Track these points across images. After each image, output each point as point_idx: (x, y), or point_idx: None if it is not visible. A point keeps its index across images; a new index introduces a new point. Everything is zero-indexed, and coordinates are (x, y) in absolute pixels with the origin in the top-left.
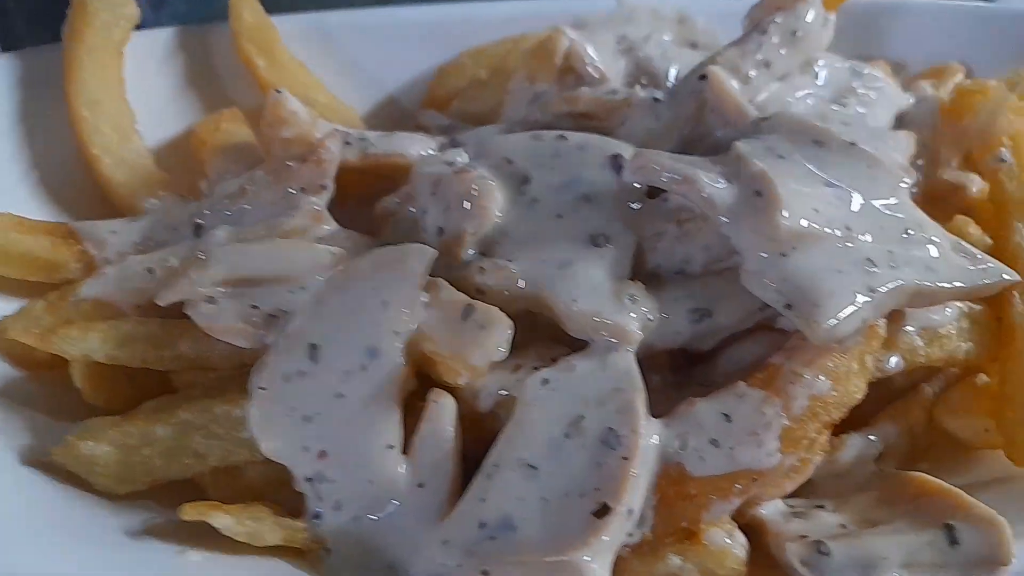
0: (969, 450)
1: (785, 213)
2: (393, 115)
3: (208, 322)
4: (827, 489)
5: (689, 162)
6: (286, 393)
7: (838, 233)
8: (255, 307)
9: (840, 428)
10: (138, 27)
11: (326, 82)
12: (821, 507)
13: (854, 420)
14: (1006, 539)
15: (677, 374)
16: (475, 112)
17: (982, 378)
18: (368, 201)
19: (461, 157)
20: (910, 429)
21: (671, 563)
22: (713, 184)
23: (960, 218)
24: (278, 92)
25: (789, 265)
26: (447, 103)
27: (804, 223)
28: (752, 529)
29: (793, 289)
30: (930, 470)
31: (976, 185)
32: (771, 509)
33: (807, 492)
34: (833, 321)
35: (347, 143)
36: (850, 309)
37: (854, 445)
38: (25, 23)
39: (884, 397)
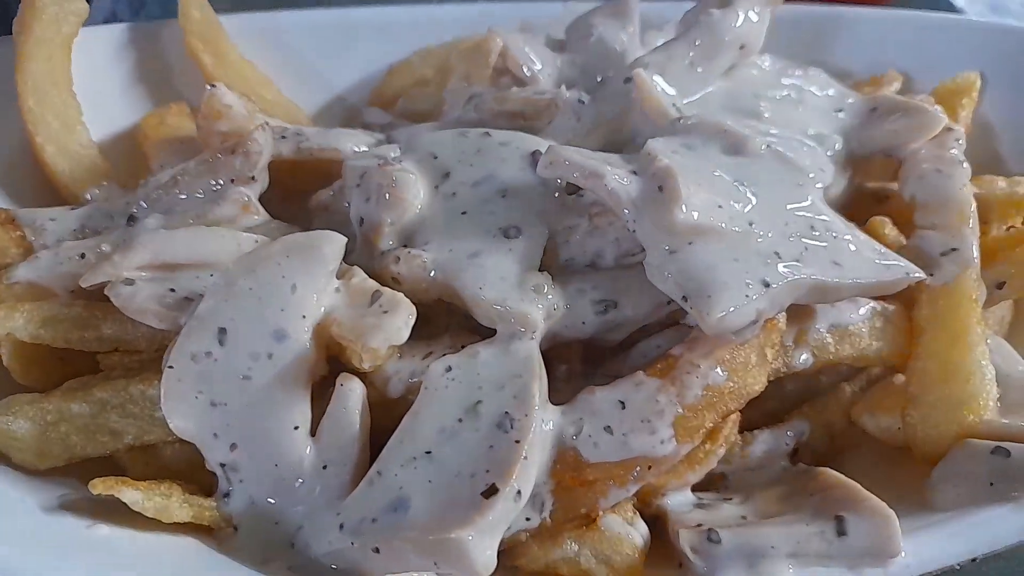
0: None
1: (683, 207)
2: (341, 114)
3: (124, 302)
4: (739, 483)
5: (600, 158)
6: (194, 373)
7: (737, 229)
8: (172, 290)
9: (758, 424)
10: None
11: (276, 80)
12: (728, 500)
13: (775, 417)
14: (895, 531)
15: (586, 365)
16: (418, 111)
17: (900, 378)
18: (304, 195)
19: (393, 153)
20: (827, 426)
21: (568, 548)
22: (619, 179)
23: (877, 219)
24: (213, 86)
25: (687, 258)
26: (393, 102)
27: (702, 218)
28: (657, 519)
29: (689, 281)
30: (851, 469)
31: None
32: (678, 500)
33: (721, 487)
34: (722, 312)
35: (282, 137)
36: (742, 301)
37: (764, 440)
38: None
39: (808, 396)
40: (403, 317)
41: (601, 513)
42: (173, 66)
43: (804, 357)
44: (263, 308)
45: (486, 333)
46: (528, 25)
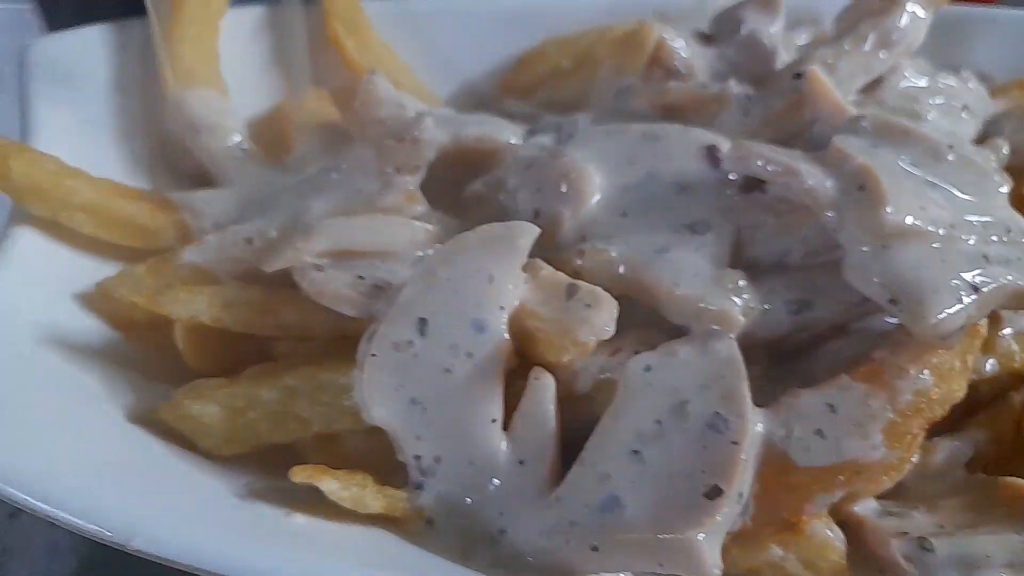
0: None
1: (890, 208)
2: (472, 101)
3: (318, 288)
4: (917, 492)
5: (789, 154)
6: (395, 362)
7: (941, 232)
8: (361, 277)
9: (928, 433)
10: None
11: (410, 64)
12: (915, 508)
13: (940, 424)
14: None
15: (775, 367)
16: (559, 101)
17: None
18: (449, 182)
19: (551, 143)
20: (998, 436)
21: (772, 554)
22: (816, 176)
23: None
24: (372, 74)
25: (893, 260)
26: (528, 91)
27: (910, 220)
28: (846, 526)
29: (897, 284)
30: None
31: None
32: (865, 507)
33: (896, 494)
34: (941, 316)
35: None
36: (957, 306)
37: (945, 448)
38: (72, 13)
39: (969, 404)
40: (609, 312)
41: (805, 518)
42: (314, 49)
43: (991, 364)
44: (462, 299)
45: (670, 329)
46: (664, 15)
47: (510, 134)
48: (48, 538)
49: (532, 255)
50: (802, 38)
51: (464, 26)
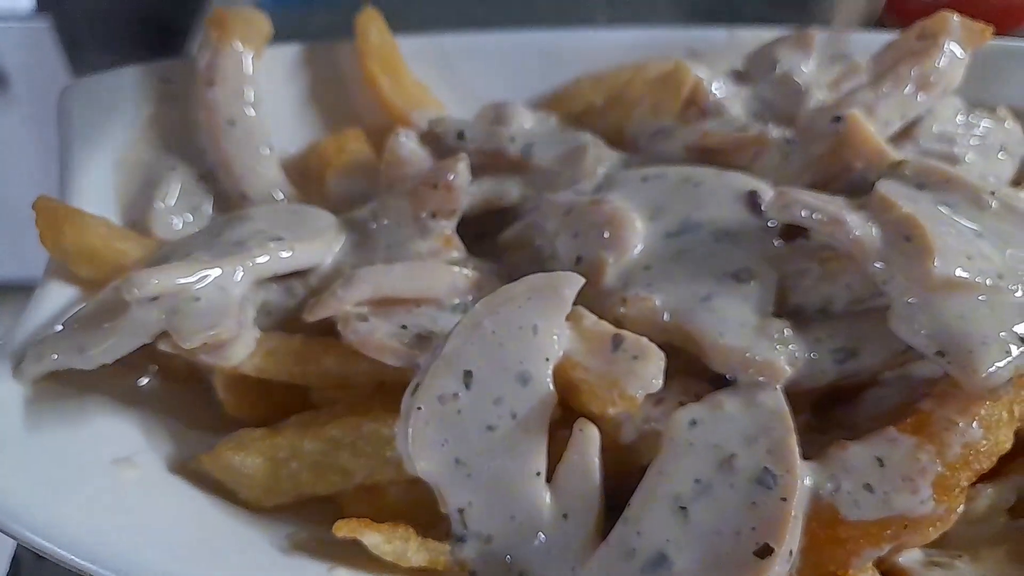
0: None
1: (938, 261)
2: None
3: (362, 338)
4: (960, 539)
5: (834, 202)
6: (440, 415)
7: (988, 282)
8: (404, 327)
9: None
10: None
11: (442, 101)
12: (959, 557)
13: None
14: None
15: (817, 415)
16: None
17: None
18: (482, 225)
19: (589, 186)
20: None
21: None
22: (861, 226)
23: None
24: (398, 135)
25: (940, 312)
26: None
27: (958, 271)
28: None
29: (945, 336)
30: None
31: None
32: (909, 558)
33: (939, 542)
34: (992, 369)
35: None
36: (1006, 359)
37: (988, 495)
38: (88, 29)
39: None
40: (656, 364)
41: (851, 572)
42: (348, 87)
43: None
44: (507, 350)
45: (713, 378)
46: (695, 52)
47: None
48: None
49: (574, 303)
50: (833, 72)
51: (497, 63)
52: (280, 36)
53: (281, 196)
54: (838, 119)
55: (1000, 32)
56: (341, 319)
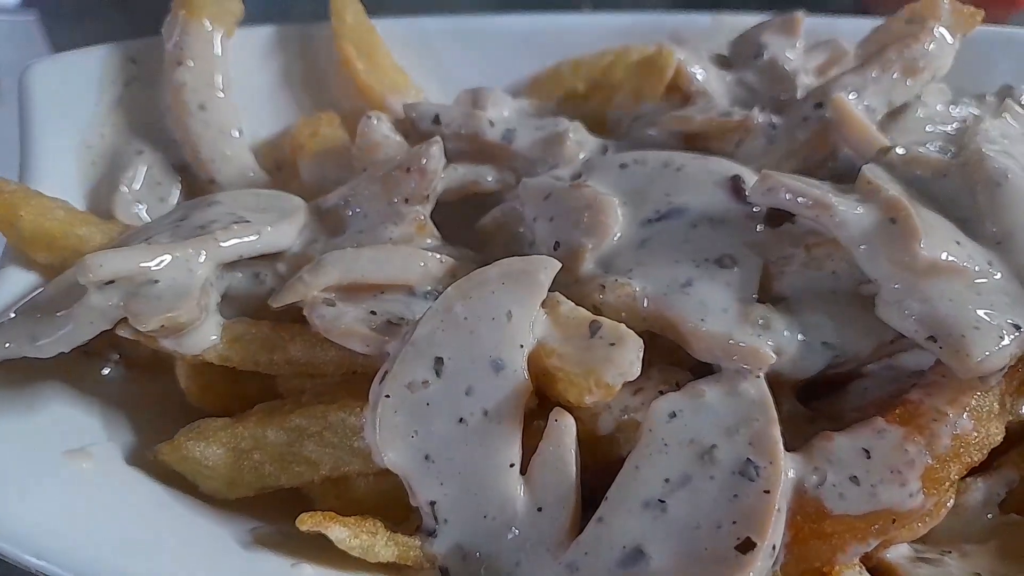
0: None
1: (923, 243)
2: None
3: (328, 324)
4: (949, 533)
5: (819, 186)
6: (410, 404)
7: (977, 268)
8: (373, 312)
9: None
10: None
11: (421, 86)
12: (948, 553)
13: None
14: None
15: (803, 405)
16: None
17: None
18: (463, 213)
19: (569, 172)
20: None
21: None
22: (846, 209)
23: None
24: (369, 118)
25: (929, 296)
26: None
27: (944, 255)
28: (878, 573)
29: (935, 321)
30: None
31: None
32: (896, 553)
33: (928, 536)
34: (982, 356)
35: None
36: (1000, 344)
37: (978, 490)
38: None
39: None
40: (634, 350)
41: (836, 568)
42: (324, 70)
43: None
44: (479, 337)
45: (694, 366)
46: (679, 37)
47: None
48: None
49: (551, 289)
50: (820, 58)
51: (477, 46)
52: (265, 21)
53: (252, 181)
54: (821, 104)
55: (998, 18)
56: (307, 304)
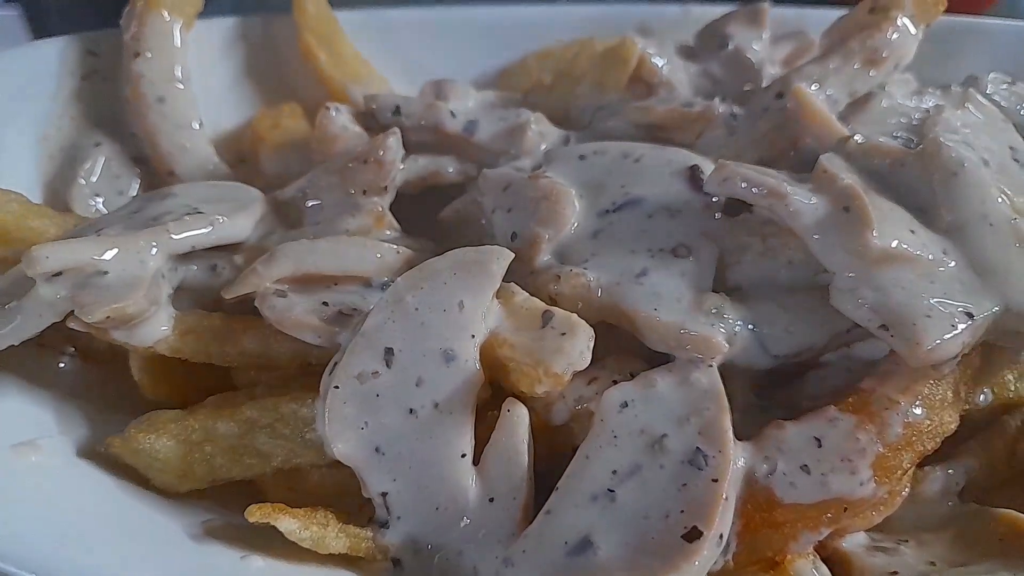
0: None
1: (875, 232)
2: None
3: (279, 315)
4: (906, 522)
5: (774, 175)
6: (360, 395)
7: (931, 257)
8: (325, 304)
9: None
10: None
11: (390, 79)
12: (904, 542)
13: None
14: None
15: (759, 396)
16: None
17: None
18: (426, 206)
19: (530, 163)
20: (991, 463)
21: None
22: (801, 199)
23: None
24: (328, 109)
25: (882, 285)
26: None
27: (895, 243)
28: (833, 562)
29: (888, 310)
30: (1007, 502)
31: None
32: (852, 542)
33: (885, 525)
34: (933, 343)
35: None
36: (951, 332)
37: (937, 479)
38: (59, 19)
39: (960, 429)
40: (584, 340)
41: (789, 557)
42: (286, 61)
43: (984, 395)
44: (430, 327)
45: (649, 356)
46: (646, 28)
47: None
48: None
49: (507, 280)
50: (786, 49)
51: (443, 37)
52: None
53: (211, 173)
54: (781, 95)
55: (971, 11)
56: (259, 296)
